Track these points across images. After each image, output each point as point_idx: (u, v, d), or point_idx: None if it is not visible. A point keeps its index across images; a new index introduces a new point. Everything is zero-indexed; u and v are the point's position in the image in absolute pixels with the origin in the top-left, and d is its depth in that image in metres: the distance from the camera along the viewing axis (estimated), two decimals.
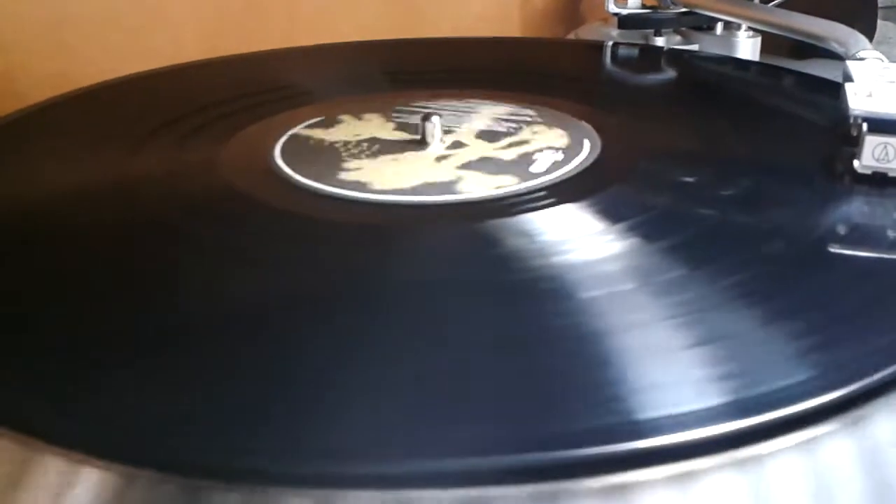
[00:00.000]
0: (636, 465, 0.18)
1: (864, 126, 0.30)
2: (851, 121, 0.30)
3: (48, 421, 0.20)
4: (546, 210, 0.29)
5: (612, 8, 0.57)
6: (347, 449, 0.19)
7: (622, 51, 0.53)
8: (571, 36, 0.61)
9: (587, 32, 0.60)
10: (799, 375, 0.20)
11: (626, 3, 0.58)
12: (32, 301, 0.25)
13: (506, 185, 0.31)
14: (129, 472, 0.18)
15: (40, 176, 0.33)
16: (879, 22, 0.67)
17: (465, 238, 0.28)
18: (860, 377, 0.20)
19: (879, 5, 0.67)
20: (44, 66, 0.50)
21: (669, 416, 0.19)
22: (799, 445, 0.19)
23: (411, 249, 0.28)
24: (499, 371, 0.21)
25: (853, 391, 0.20)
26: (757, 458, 0.19)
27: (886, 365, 0.21)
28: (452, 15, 0.66)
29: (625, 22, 0.55)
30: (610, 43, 0.55)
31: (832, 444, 0.19)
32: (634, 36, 0.56)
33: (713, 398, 0.20)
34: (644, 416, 0.19)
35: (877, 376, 0.20)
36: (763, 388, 0.20)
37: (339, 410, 0.20)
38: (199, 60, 0.48)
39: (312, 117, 0.38)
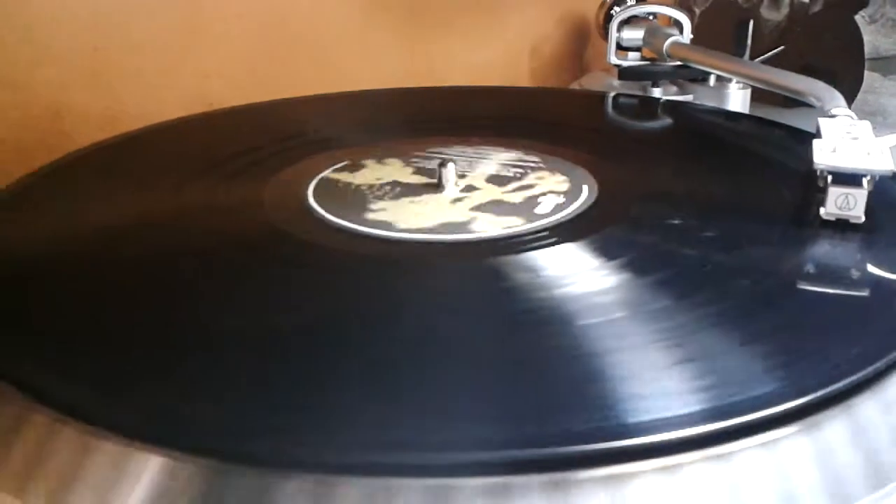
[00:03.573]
0: (631, 458, 0.22)
1: (829, 178, 0.34)
2: (818, 173, 0.34)
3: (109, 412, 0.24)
4: (549, 248, 0.33)
5: (614, 59, 0.62)
6: (395, 443, 0.23)
7: (621, 101, 0.58)
8: (575, 85, 0.66)
9: (590, 81, 0.65)
10: (765, 388, 0.24)
11: (626, 56, 0.62)
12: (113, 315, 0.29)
13: (514, 225, 0.35)
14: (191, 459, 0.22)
15: (105, 209, 0.38)
16: (866, 73, 0.71)
17: (478, 271, 0.32)
18: (816, 389, 0.24)
19: (866, 57, 0.71)
20: (89, 107, 0.55)
21: (657, 419, 0.23)
22: (764, 444, 0.23)
23: (432, 280, 0.32)
24: (514, 384, 0.25)
25: (809, 401, 0.24)
26: (729, 455, 0.23)
27: (838, 380, 0.25)
28: (464, 63, 0.71)
29: (625, 74, 0.59)
30: (612, 94, 0.59)
31: (792, 443, 0.23)
32: (634, 86, 0.61)
33: (693, 405, 0.24)
34: (636, 420, 0.23)
35: (830, 388, 0.24)
36: (735, 398, 0.24)
37: (385, 411, 0.24)
38: (227, 108, 0.52)
39: (339, 161, 0.42)
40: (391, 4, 0.66)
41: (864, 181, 0.33)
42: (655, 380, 0.25)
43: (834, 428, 0.24)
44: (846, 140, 0.35)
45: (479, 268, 0.32)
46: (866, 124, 0.37)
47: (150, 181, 0.41)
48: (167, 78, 0.57)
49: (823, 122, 0.38)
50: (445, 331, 0.28)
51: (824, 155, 0.34)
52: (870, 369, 0.25)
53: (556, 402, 0.24)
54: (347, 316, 0.29)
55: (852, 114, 0.40)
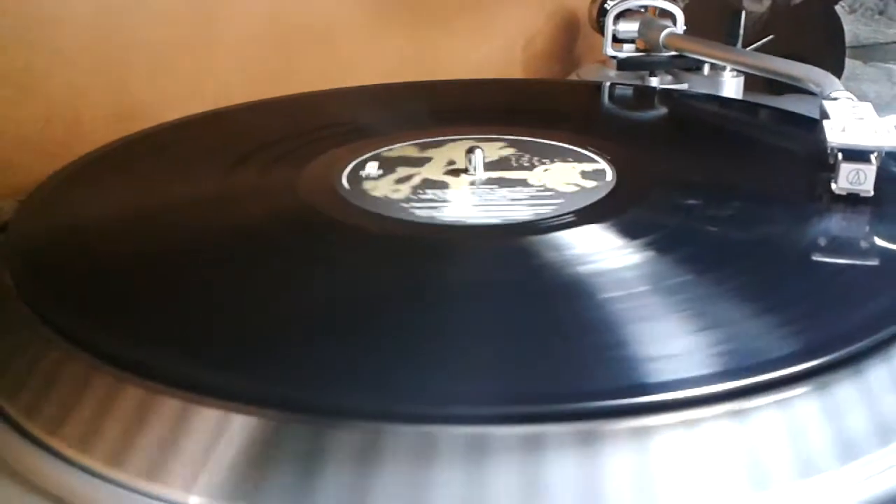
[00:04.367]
0: (654, 412, 0.24)
1: (840, 156, 0.36)
2: (829, 151, 0.37)
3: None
4: (597, 224, 0.35)
5: (610, 51, 0.64)
6: (444, 395, 0.25)
7: (620, 90, 0.60)
8: (574, 76, 0.68)
9: (587, 73, 0.67)
10: (779, 351, 0.26)
11: (622, 48, 0.65)
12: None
13: (553, 204, 0.37)
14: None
15: (161, 190, 0.40)
16: (847, 60, 0.74)
17: (540, 245, 0.34)
18: (826, 353, 0.26)
19: (847, 46, 0.74)
20: (107, 108, 0.56)
21: (679, 379, 0.25)
22: (778, 402, 0.25)
23: (507, 257, 0.34)
24: (553, 349, 0.27)
25: (820, 363, 0.26)
26: (745, 411, 0.25)
27: (849, 344, 0.27)
28: (462, 59, 0.73)
29: (624, 64, 0.62)
30: (607, 84, 0.62)
31: (803, 402, 0.25)
32: (631, 76, 0.63)
33: (712, 367, 0.26)
34: (659, 379, 0.25)
35: (839, 352, 0.26)
36: (749, 361, 0.26)
37: (432, 370, 0.26)
38: (247, 102, 0.54)
39: (359, 154, 0.43)
40: (389, 1, 0.68)
41: (873, 157, 0.36)
42: (678, 344, 0.27)
43: (844, 388, 0.26)
44: (853, 120, 0.38)
45: (539, 242, 0.34)
46: (868, 105, 0.40)
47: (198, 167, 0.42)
48: (179, 75, 0.58)
49: (829, 105, 0.40)
50: (501, 301, 0.30)
51: (835, 134, 0.36)
52: (879, 334, 0.27)
53: (590, 363, 0.26)
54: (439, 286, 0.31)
55: (852, 96, 0.42)
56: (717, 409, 0.25)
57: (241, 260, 0.33)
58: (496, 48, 0.75)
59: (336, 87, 0.57)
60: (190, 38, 0.58)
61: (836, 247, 0.35)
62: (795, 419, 0.25)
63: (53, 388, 0.27)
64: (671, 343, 0.27)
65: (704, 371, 0.25)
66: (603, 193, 0.38)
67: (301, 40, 0.63)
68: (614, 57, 0.64)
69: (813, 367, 0.26)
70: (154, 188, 0.41)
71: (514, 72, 0.76)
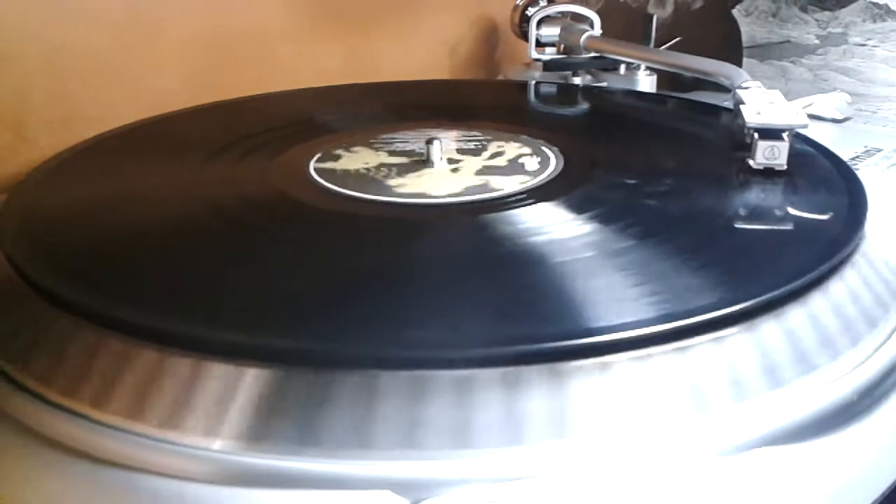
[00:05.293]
0: (609, 351, 0.28)
1: (756, 135, 0.42)
2: (746, 132, 0.42)
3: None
4: (552, 200, 0.40)
5: (535, 55, 0.69)
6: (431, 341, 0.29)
7: (545, 88, 0.65)
8: (501, 77, 0.73)
9: (514, 74, 0.72)
10: (712, 298, 0.30)
11: (544, 51, 0.70)
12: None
13: (526, 181, 0.41)
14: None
15: (150, 179, 0.43)
16: (745, 59, 0.81)
17: (510, 219, 0.38)
18: (751, 298, 0.30)
19: (744, 46, 0.81)
20: (50, 114, 0.57)
21: (624, 323, 0.29)
22: (713, 340, 0.29)
23: (477, 230, 0.38)
24: (522, 302, 0.31)
25: (746, 307, 0.30)
26: (686, 347, 0.28)
27: (768, 291, 0.31)
28: (393, 63, 0.76)
29: (549, 65, 0.67)
30: (533, 82, 0.67)
31: (735, 339, 0.29)
32: (554, 77, 0.68)
33: (650, 313, 0.29)
34: (617, 322, 0.29)
35: (762, 297, 0.30)
36: (681, 307, 0.29)
37: (421, 319, 0.30)
38: (218, 101, 0.57)
39: (329, 145, 0.47)
40: (323, 8, 0.71)
41: (785, 135, 0.41)
42: (630, 294, 0.31)
43: (768, 327, 0.30)
44: (766, 104, 0.43)
45: (510, 216, 0.38)
46: (777, 92, 0.45)
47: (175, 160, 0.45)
48: (122, 80, 0.60)
49: (742, 93, 0.46)
50: (480, 263, 0.34)
51: (752, 116, 0.42)
52: (795, 282, 0.31)
53: (555, 311, 0.30)
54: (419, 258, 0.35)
55: (761, 85, 0.48)
56: (664, 347, 0.28)
57: (225, 235, 0.37)
58: (423, 53, 0.79)
59: (276, 90, 0.60)
60: (131, 44, 0.60)
61: (757, 213, 0.40)
62: (729, 354, 0.29)
63: (67, 356, 0.30)
64: (626, 292, 0.31)
65: (653, 314, 0.30)
66: (552, 177, 0.43)
67: (240, 45, 0.66)
68: (539, 59, 0.69)
69: (741, 309, 0.30)
70: (146, 176, 0.44)
71: (442, 76, 0.80)
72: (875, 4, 0.71)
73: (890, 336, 0.32)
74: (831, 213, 0.38)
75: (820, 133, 0.54)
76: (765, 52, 0.79)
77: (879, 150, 0.55)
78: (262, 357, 0.28)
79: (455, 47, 0.82)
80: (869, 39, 0.71)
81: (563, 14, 0.71)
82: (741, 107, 0.43)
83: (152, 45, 0.61)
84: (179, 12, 0.62)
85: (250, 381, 0.27)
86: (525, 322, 0.30)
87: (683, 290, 0.31)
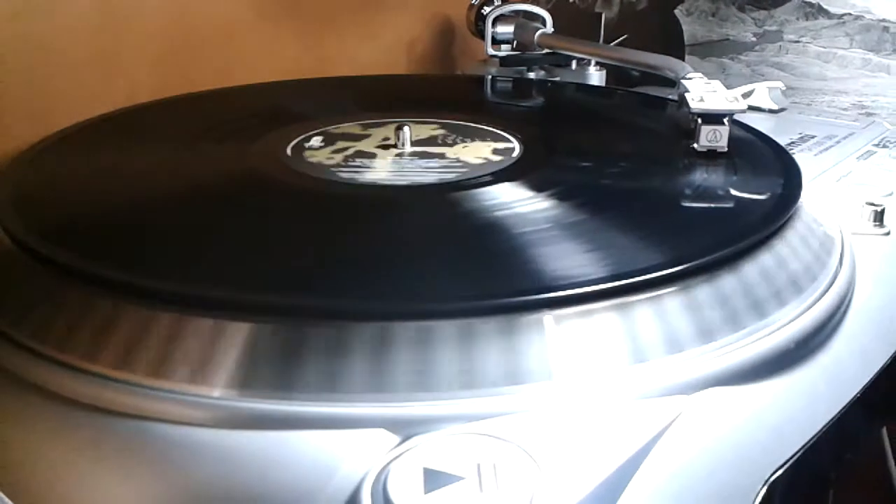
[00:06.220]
0: (559, 305, 0.31)
1: (700, 120, 0.45)
2: (691, 117, 0.46)
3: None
4: (509, 182, 0.43)
5: (491, 51, 0.73)
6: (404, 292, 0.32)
7: (502, 83, 0.68)
8: (459, 73, 0.76)
9: (472, 70, 0.75)
10: (652, 262, 0.34)
11: (500, 48, 0.73)
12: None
13: (488, 165, 0.44)
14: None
15: (145, 159, 0.46)
16: (687, 56, 0.85)
17: (474, 198, 0.41)
18: (686, 262, 0.34)
19: (686, 44, 0.85)
20: (24, 107, 0.59)
21: (581, 280, 0.32)
22: (650, 298, 0.32)
23: (443, 206, 0.41)
24: (494, 265, 0.35)
25: (681, 270, 0.33)
26: (627, 304, 0.32)
27: (703, 256, 0.34)
28: (351, 59, 0.79)
29: (505, 61, 0.70)
30: (490, 77, 0.70)
31: (670, 298, 0.32)
32: (510, 72, 0.72)
33: (601, 272, 0.33)
34: (565, 282, 0.32)
35: (696, 262, 0.34)
36: (626, 269, 0.33)
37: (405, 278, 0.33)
38: (212, 90, 0.59)
39: (306, 131, 0.49)
40: (282, 5, 0.74)
41: (726, 120, 0.45)
42: (579, 259, 0.35)
43: (700, 288, 0.33)
44: (708, 92, 0.47)
45: (473, 195, 0.41)
46: (717, 82, 0.49)
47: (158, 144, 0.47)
48: (92, 72, 0.62)
49: (687, 83, 0.50)
50: (447, 233, 0.38)
51: (696, 103, 0.45)
52: (728, 249, 0.35)
53: (517, 272, 0.34)
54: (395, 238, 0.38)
55: (703, 76, 0.52)
56: (606, 303, 0.32)
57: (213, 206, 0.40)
58: (381, 51, 0.82)
59: (241, 84, 0.63)
60: (99, 38, 0.62)
61: (700, 191, 0.43)
62: (664, 311, 0.32)
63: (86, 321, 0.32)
64: (574, 258, 0.35)
65: (599, 275, 0.33)
66: (514, 161, 0.46)
67: (205, 40, 0.68)
68: (495, 56, 0.72)
69: (677, 271, 0.33)
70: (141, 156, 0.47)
71: (399, 72, 0.83)
72: (808, 3, 0.75)
73: (814, 303, 0.36)
74: (767, 190, 0.42)
75: (758, 122, 0.58)
76: (705, 49, 0.83)
77: (813, 137, 0.60)
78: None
79: (412, 45, 0.85)
80: (802, 36, 0.76)
81: (517, 13, 0.75)
82: (685, 95, 0.47)
83: (122, 37, 0.63)
84: (147, 6, 0.64)
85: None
86: (482, 279, 0.33)
87: (626, 256, 0.35)
